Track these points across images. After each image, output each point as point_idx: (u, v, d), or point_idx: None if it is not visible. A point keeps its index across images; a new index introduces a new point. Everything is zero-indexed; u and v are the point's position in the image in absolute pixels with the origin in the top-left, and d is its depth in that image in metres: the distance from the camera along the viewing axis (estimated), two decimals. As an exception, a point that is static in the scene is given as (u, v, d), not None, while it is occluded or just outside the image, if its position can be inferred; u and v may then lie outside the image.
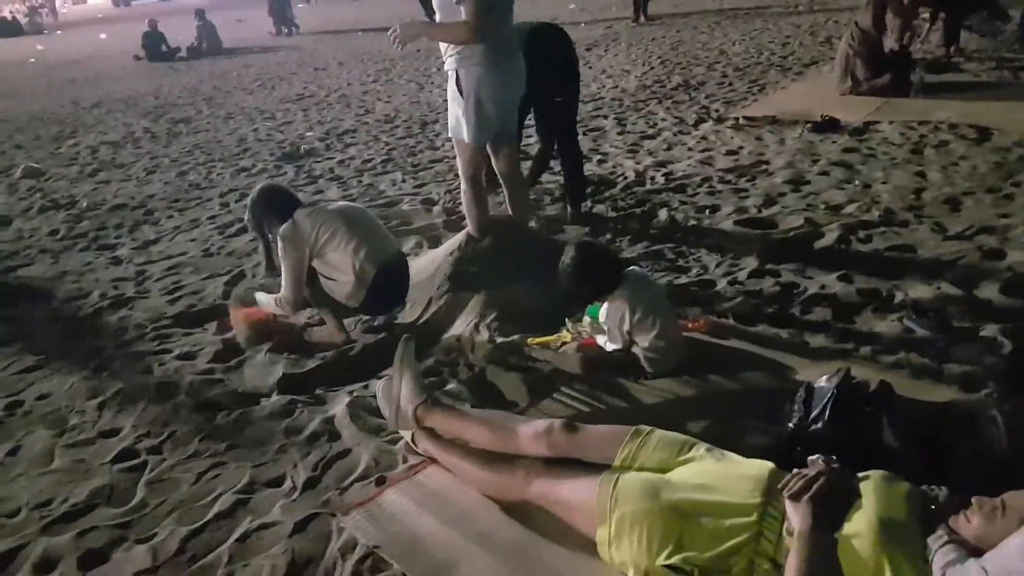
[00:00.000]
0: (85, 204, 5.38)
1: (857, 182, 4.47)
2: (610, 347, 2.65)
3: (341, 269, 2.97)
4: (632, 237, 4.00)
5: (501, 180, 3.58)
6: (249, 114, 8.67)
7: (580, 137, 6.17)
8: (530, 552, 1.87)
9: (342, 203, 3.44)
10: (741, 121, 6.19)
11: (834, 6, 12.71)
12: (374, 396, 2.62)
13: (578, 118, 5.06)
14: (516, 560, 1.85)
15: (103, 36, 23.69)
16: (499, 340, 2.97)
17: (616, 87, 8.20)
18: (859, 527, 1.51)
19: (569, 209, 4.37)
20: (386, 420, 2.34)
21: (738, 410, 2.35)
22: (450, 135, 3.43)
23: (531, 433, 2.01)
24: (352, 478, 2.22)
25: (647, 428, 1.94)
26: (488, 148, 3.43)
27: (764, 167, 4.96)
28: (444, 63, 3.22)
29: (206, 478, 2.28)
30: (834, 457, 1.70)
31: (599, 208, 4.52)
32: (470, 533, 1.93)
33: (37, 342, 3.31)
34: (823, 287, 3.22)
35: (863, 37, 6.33)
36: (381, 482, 2.17)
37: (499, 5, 3.11)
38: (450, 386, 2.66)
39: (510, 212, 3.65)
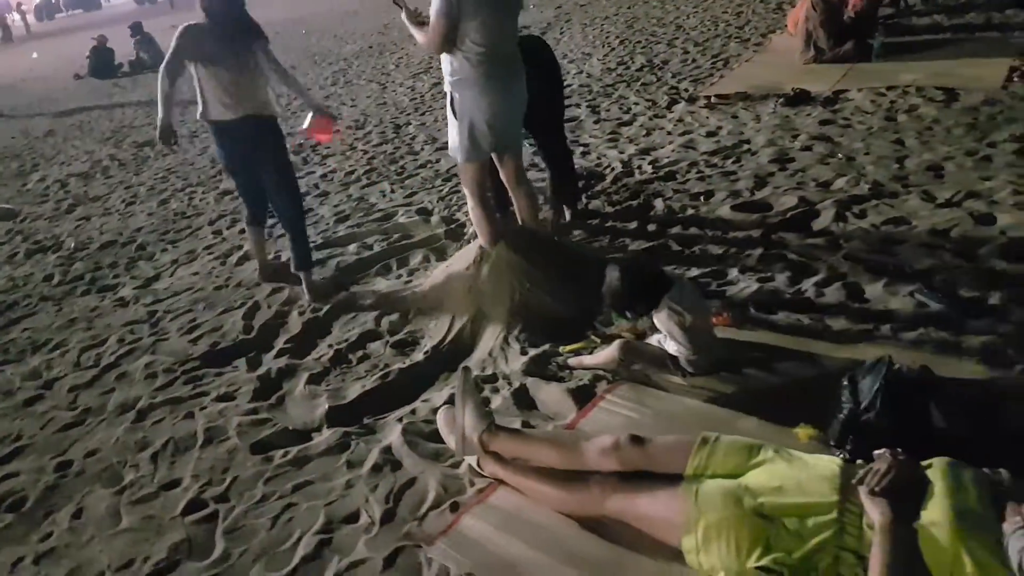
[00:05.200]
0: (72, 245, 5.30)
1: (840, 155, 4.63)
2: (673, 348, 2.73)
3: None
4: (633, 232, 4.10)
5: (509, 190, 3.65)
6: (215, 130, 8.53)
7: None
8: (620, 567, 1.96)
9: None
10: (713, 100, 6.31)
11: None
12: (424, 422, 2.70)
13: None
14: None
15: (35, 56, 22.85)
16: (532, 352, 3.05)
17: (581, 72, 8.26)
18: (935, 515, 1.62)
19: (566, 210, 4.45)
20: (451, 448, 2.42)
21: (781, 404, 2.47)
22: (450, 154, 3.49)
23: (598, 449, 2.10)
24: (426, 507, 2.29)
25: (713, 435, 2.04)
26: (494, 160, 3.49)
27: (747, 147, 5.09)
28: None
29: (281, 521, 2.33)
30: (899, 449, 1.82)
31: (594, 204, 4.60)
32: (559, 554, 2.02)
33: (66, 397, 3.29)
34: (832, 267, 3.36)
35: (824, 7, 6.48)
36: (455, 508, 2.25)
37: (485, 22, 3.06)
38: (495, 404, 2.74)
39: (520, 220, 3.71)
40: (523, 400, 2.77)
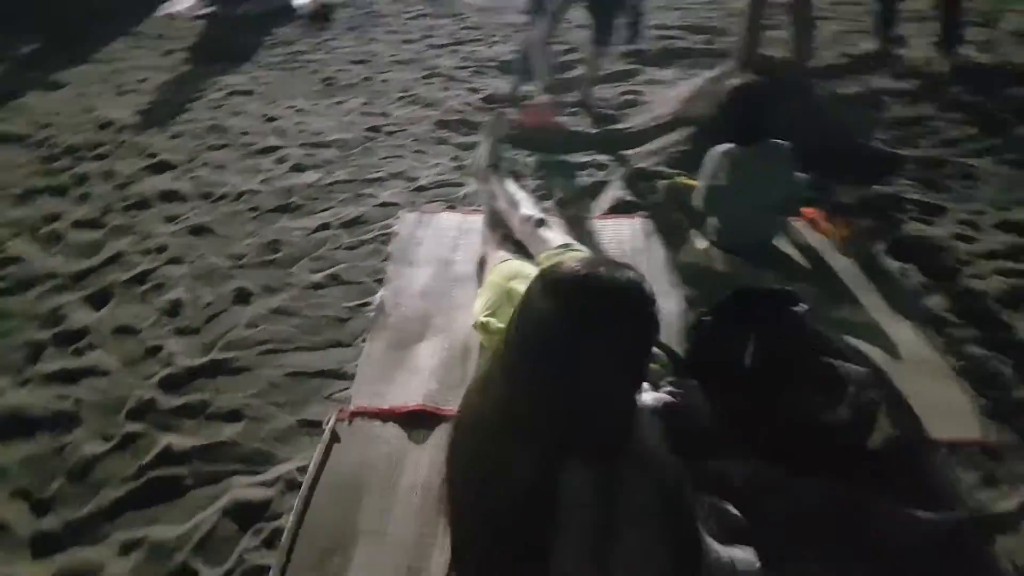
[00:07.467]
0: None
1: None
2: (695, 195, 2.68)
3: None
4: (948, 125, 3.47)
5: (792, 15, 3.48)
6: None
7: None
8: (464, 275, 2.57)
9: None
10: None
11: None
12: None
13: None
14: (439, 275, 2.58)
15: None
16: (656, 168, 3.17)
17: None
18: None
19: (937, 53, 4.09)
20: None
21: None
22: None
23: (518, 216, 2.49)
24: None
25: (576, 245, 2.25)
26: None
27: None
28: None
29: (323, 212, 3.10)
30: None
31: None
32: (451, 252, 2.71)
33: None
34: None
35: None
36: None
37: None
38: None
39: (793, 52, 3.55)
40: (590, 190, 3.07)
